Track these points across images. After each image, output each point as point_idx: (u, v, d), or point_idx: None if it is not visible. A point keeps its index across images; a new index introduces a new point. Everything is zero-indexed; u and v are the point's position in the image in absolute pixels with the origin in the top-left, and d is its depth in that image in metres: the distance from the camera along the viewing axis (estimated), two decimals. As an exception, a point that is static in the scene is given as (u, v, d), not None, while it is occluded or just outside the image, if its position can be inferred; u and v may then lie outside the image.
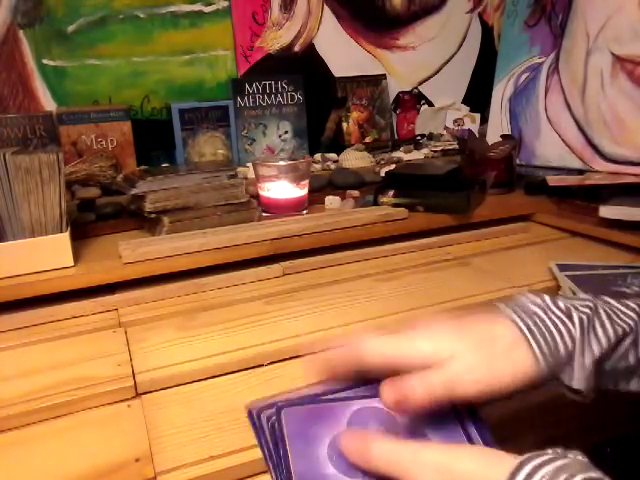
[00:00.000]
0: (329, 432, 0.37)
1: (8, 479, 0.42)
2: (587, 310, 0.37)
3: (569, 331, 0.36)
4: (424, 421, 0.37)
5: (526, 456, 0.29)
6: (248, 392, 0.50)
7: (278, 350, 0.55)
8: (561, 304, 0.38)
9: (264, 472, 0.42)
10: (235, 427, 0.45)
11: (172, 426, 0.46)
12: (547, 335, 0.36)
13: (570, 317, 0.37)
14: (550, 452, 0.30)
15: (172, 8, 1.11)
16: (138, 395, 0.51)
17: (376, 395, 0.38)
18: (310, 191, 0.92)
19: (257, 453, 0.42)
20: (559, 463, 0.28)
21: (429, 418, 0.37)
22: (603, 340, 0.37)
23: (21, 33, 1.02)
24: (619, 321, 0.38)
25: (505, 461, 0.30)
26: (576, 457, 0.29)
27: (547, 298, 0.39)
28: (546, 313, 0.37)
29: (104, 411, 0.49)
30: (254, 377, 0.52)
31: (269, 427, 0.38)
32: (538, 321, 0.37)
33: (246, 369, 0.54)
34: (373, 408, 0.38)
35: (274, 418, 0.38)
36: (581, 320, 0.37)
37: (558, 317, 0.37)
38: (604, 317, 0.37)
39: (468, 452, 0.32)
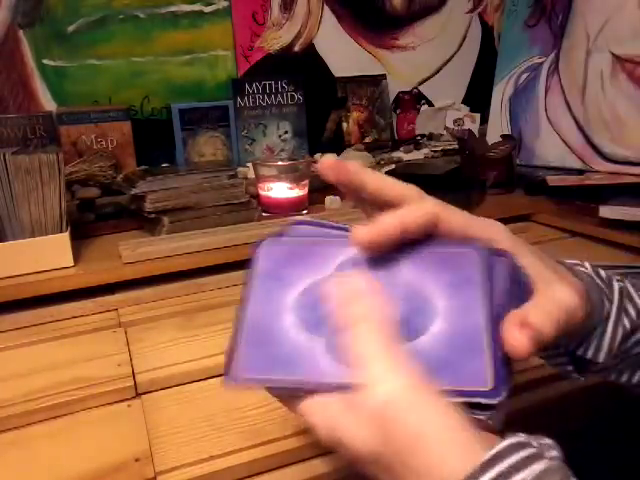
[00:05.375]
0: (310, 276, 0.33)
1: (8, 479, 0.42)
2: (621, 282, 0.38)
3: (609, 296, 0.36)
4: (431, 282, 0.32)
5: (497, 450, 0.25)
6: (248, 392, 0.50)
7: (278, 350, 0.55)
8: (602, 272, 0.38)
9: (264, 472, 0.42)
10: (235, 427, 0.45)
11: (172, 426, 0.46)
12: (594, 292, 0.36)
13: (610, 284, 0.37)
14: (524, 440, 0.26)
15: (172, 8, 1.11)
16: (138, 395, 0.51)
17: None
18: (310, 191, 0.92)
19: (257, 453, 0.42)
20: (538, 467, 0.25)
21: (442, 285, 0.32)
22: (632, 310, 0.36)
23: (21, 33, 1.02)
24: None
25: (472, 452, 0.26)
26: (551, 454, 0.26)
27: (588, 265, 0.38)
28: (592, 277, 0.37)
29: (104, 411, 0.49)
30: (254, 377, 0.52)
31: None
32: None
33: (246, 369, 0.54)
34: (372, 258, 0.33)
35: (252, 251, 0.35)
36: (620, 288, 0.37)
37: (602, 280, 0.37)
38: (632, 290, 0.38)
39: (436, 427, 0.26)
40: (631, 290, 0.37)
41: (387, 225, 0.32)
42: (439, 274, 0.32)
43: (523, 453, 0.25)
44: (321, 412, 0.30)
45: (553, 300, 0.33)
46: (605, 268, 0.39)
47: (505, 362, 0.30)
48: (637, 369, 0.38)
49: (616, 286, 0.37)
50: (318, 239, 0.35)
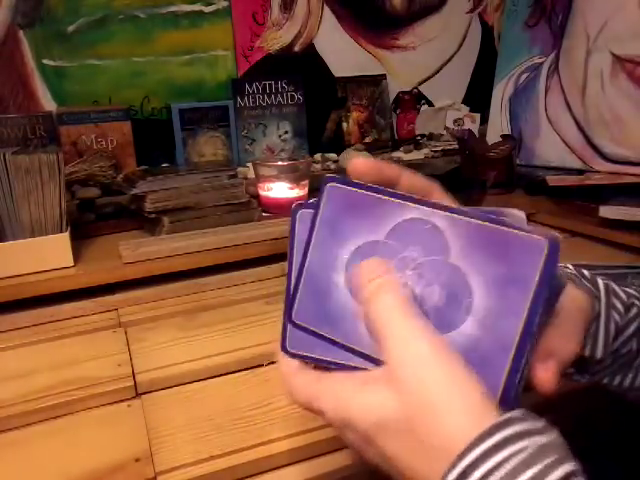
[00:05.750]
0: (363, 234, 0.33)
1: (8, 479, 0.42)
2: (604, 279, 0.38)
3: (597, 294, 0.37)
4: (478, 271, 0.30)
5: (507, 416, 0.26)
6: (248, 392, 0.50)
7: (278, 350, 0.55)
8: (585, 272, 0.38)
9: (264, 472, 0.42)
10: (235, 427, 0.45)
11: (172, 426, 0.46)
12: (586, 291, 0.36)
13: (595, 282, 0.37)
14: (534, 415, 0.27)
15: (172, 8, 1.11)
16: (138, 395, 0.51)
17: (442, 208, 0.31)
18: (310, 191, 0.92)
19: (257, 453, 0.42)
20: (543, 439, 0.25)
21: (486, 258, 0.29)
22: (619, 304, 0.37)
23: (21, 33, 1.02)
24: (627, 295, 0.38)
25: (484, 419, 0.26)
26: (557, 436, 0.26)
27: (571, 266, 0.39)
28: (579, 277, 0.38)
29: (104, 411, 0.49)
30: (254, 377, 0.52)
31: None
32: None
33: (246, 369, 0.54)
34: (428, 225, 0.31)
35: (320, 187, 0.34)
36: (605, 285, 0.37)
37: (586, 279, 0.37)
38: (615, 286, 0.38)
39: (457, 392, 0.27)
40: (615, 287, 0.38)
41: (386, 167, 0.35)
42: (492, 264, 0.29)
43: (531, 424, 0.26)
44: (333, 391, 0.31)
45: (577, 312, 0.33)
46: (606, 268, 0.39)
47: (521, 383, 0.28)
48: (628, 372, 0.38)
49: (601, 284, 0.37)
50: (379, 194, 0.33)
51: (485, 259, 0.30)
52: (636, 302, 0.38)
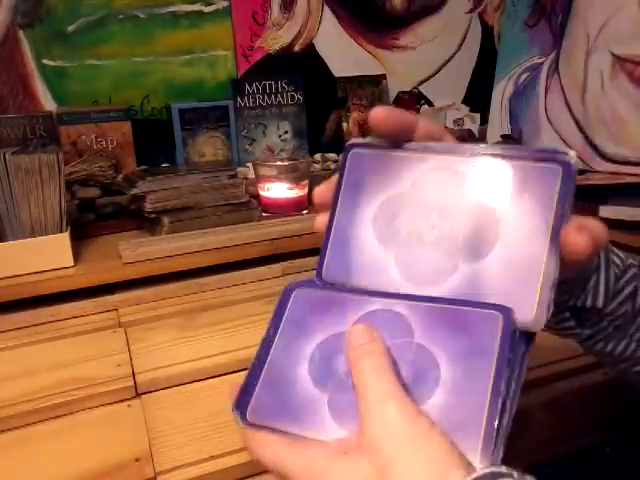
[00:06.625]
0: (328, 329, 0.34)
1: (8, 479, 0.42)
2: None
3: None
4: (442, 346, 0.31)
5: (473, 477, 0.26)
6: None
7: (278, 350, 0.55)
8: None
9: (264, 472, 0.42)
10: (235, 427, 0.45)
11: (172, 426, 0.46)
12: None
13: None
14: (505, 471, 0.26)
15: (172, 8, 1.11)
16: (138, 395, 0.51)
17: (402, 298, 0.33)
18: (310, 191, 0.92)
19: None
20: None
21: (450, 344, 0.31)
22: (618, 261, 0.38)
23: (21, 33, 1.02)
24: (625, 256, 0.39)
25: (451, 476, 0.26)
26: None
27: None
28: None
29: (104, 411, 0.49)
30: (254, 377, 0.52)
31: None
32: None
33: (246, 369, 0.53)
34: (390, 313, 0.33)
35: (283, 294, 0.36)
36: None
37: None
38: (614, 248, 0.40)
39: (415, 454, 0.27)
40: (613, 247, 0.40)
41: (404, 113, 0.36)
42: (454, 338, 0.31)
43: None
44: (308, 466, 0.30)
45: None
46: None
47: (499, 440, 0.29)
48: (622, 338, 0.39)
49: None
50: (344, 292, 0.35)
51: (448, 335, 0.32)
52: (633, 265, 0.39)
